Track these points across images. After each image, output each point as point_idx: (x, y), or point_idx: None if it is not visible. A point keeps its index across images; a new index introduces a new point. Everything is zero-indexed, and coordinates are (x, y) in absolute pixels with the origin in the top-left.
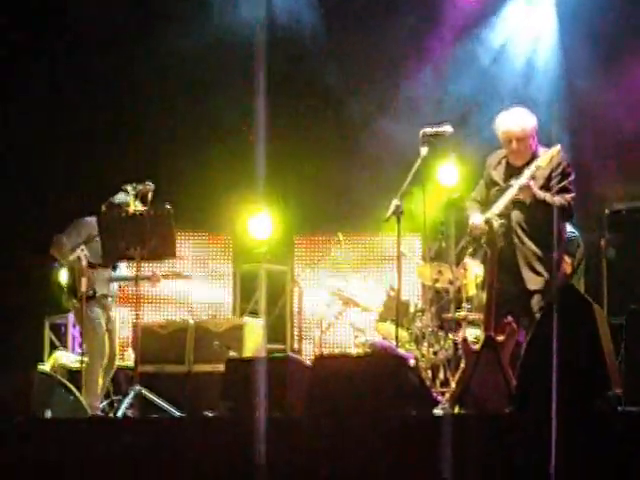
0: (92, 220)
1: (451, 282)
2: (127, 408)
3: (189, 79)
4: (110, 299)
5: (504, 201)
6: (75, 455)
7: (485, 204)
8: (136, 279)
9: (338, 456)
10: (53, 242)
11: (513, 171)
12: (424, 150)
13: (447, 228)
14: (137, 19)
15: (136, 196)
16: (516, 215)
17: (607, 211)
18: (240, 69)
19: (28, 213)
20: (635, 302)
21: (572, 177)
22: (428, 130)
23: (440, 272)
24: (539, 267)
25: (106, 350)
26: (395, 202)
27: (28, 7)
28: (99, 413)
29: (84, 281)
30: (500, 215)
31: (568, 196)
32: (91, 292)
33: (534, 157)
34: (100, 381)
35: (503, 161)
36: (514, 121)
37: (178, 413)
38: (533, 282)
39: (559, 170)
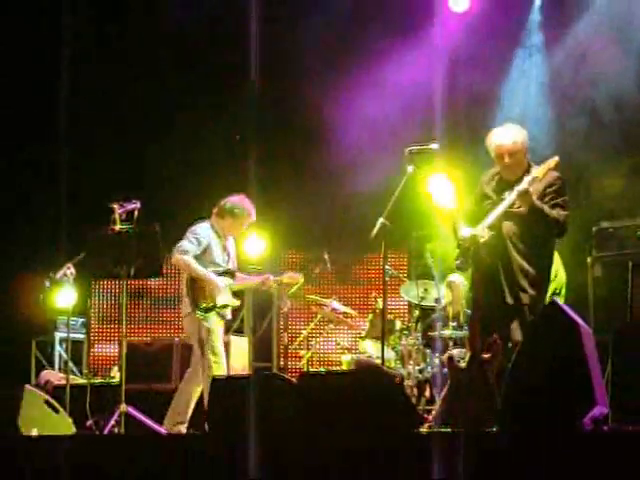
0: (208, 226)
1: (437, 300)
2: (113, 426)
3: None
4: (229, 309)
5: (496, 213)
6: (61, 473)
7: (475, 219)
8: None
9: (323, 474)
10: (178, 251)
11: (506, 186)
12: (410, 168)
13: (433, 246)
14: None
15: (122, 214)
16: (507, 228)
17: (594, 229)
18: (230, 84)
19: (16, 233)
20: (621, 320)
21: (567, 197)
22: (413, 148)
23: (426, 290)
24: (524, 283)
25: (222, 360)
26: (381, 220)
27: None
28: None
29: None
30: (491, 227)
31: (562, 213)
32: (211, 303)
33: (526, 172)
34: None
35: (496, 177)
36: (505, 136)
37: (164, 431)
38: (519, 298)
39: (554, 187)
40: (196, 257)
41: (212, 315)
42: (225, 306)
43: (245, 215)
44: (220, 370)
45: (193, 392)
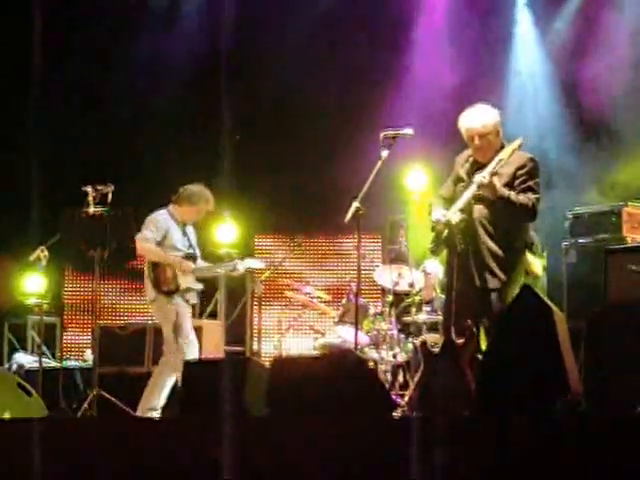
0: (166, 213)
1: (411, 285)
2: (86, 409)
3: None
4: (193, 293)
5: (466, 196)
6: (31, 456)
7: (451, 201)
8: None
9: (296, 459)
10: (139, 240)
11: (479, 168)
12: (384, 153)
13: (408, 230)
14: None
15: (95, 197)
16: (479, 211)
17: (568, 214)
18: (203, 72)
19: None
20: (595, 306)
21: (538, 179)
22: (388, 132)
23: (400, 275)
24: (495, 267)
25: (185, 347)
26: (355, 204)
27: None
28: (154, 415)
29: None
30: (462, 210)
31: (533, 196)
32: (173, 287)
33: (497, 154)
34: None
35: (470, 159)
36: (475, 117)
37: (137, 414)
38: (489, 282)
39: (526, 169)
40: (157, 244)
41: (177, 298)
42: (188, 289)
43: (202, 202)
44: (191, 353)
45: (167, 380)
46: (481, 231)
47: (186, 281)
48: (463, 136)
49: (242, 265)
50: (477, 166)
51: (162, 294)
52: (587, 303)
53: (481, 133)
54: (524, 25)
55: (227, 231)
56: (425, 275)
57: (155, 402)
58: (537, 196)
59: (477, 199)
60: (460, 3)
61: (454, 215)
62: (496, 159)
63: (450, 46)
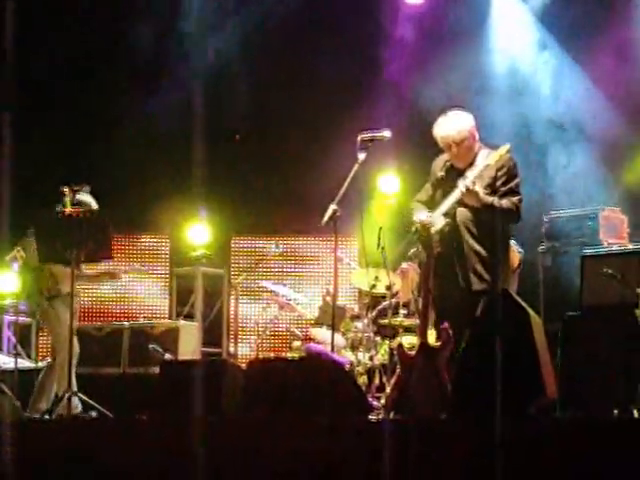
0: None
1: (388, 287)
2: (61, 410)
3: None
4: (75, 298)
5: (450, 201)
6: (6, 457)
7: (430, 205)
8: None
9: (270, 461)
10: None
11: (457, 173)
12: (362, 155)
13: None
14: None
15: (72, 198)
16: (462, 214)
17: (544, 218)
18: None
19: None
20: (571, 309)
21: (519, 179)
22: (366, 135)
23: (377, 278)
24: (481, 269)
25: (74, 350)
26: (332, 207)
27: None
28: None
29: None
30: (446, 214)
31: (515, 199)
32: (54, 291)
33: (476, 157)
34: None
35: (447, 164)
36: (450, 125)
37: (112, 416)
38: (475, 284)
39: (505, 170)
40: None
41: (58, 302)
42: (69, 294)
43: None
44: (62, 359)
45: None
46: (466, 234)
47: (68, 287)
48: (439, 144)
49: (122, 270)
50: (456, 172)
51: (43, 298)
52: (563, 306)
53: (457, 140)
54: (502, 24)
55: (201, 232)
56: (403, 277)
57: (43, 404)
58: (519, 197)
59: (461, 203)
60: (435, 8)
61: (439, 219)
62: (482, 165)
63: (425, 50)
